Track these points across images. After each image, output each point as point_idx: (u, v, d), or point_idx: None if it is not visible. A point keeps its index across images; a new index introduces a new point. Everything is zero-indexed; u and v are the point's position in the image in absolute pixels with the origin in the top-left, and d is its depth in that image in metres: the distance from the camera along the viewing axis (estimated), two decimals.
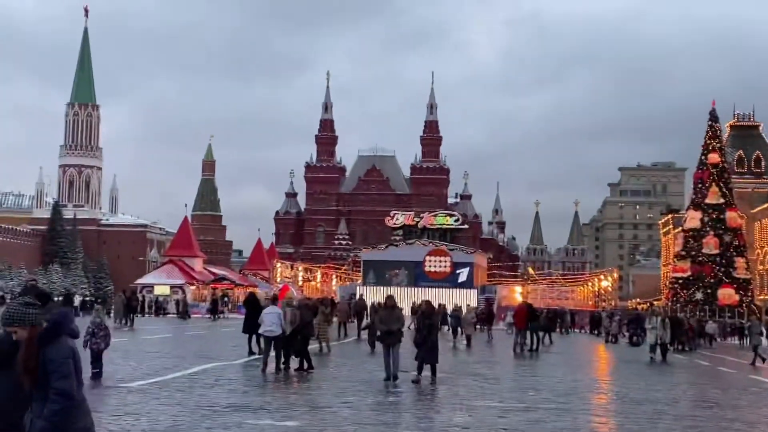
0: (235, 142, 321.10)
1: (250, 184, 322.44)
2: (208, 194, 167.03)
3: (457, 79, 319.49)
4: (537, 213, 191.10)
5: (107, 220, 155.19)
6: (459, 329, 38.96)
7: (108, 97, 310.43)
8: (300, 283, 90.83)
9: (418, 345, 18.75)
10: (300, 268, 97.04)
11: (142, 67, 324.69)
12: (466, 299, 70.40)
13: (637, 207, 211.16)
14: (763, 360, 31.89)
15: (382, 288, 73.30)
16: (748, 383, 23.75)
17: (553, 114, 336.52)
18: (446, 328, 41.76)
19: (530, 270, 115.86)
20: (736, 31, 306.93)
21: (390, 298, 19.75)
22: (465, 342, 36.51)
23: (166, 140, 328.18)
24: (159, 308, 69.51)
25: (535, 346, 33.82)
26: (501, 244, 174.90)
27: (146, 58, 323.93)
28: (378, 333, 20.10)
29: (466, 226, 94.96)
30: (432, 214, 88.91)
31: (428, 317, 19.17)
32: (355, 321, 40.47)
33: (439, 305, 42.89)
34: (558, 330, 55.34)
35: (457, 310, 41.11)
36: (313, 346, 26.64)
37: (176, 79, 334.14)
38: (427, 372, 19.21)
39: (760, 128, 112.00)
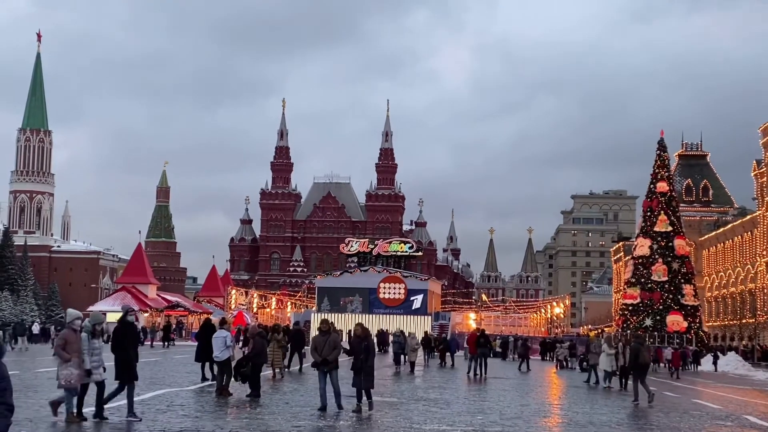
0: (196, 168, 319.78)
1: (210, 211, 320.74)
2: (162, 221, 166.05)
3: (424, 105, 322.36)
4: (491, 240, 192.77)
5: (59, 246, 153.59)
6: (402, 355, 38.40)
7: (68, 122, 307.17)
8: (255, 309, 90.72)
9: (357, 370, 18.11)
10: (255, 295, 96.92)
11: (105, 93, 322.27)
12: (421, 326, 70.97)
13: (590, 234, 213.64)
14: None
15: (336, 315, 73.55)
16: (690, 407, 24.41)
17: (517, 141, 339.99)
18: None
19: (484, 297, 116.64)
20: (698, 60, 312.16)
21: (324, 322, 18.80)
22: (409, 368, 36.23)
23: (124, 166, 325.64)
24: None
25: (483, 371, 34.17)
26: (455, 271, 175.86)
27: (109, 83, 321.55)
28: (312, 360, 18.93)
29: (420, 253, 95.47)
30: (386, 241, 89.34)
31: (364, 340, 18.31)
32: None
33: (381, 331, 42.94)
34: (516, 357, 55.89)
35: (399, 335, 40.24)
36: (266, 372, 26.89)
37: (139, 105, 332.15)
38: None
39: (708, 157, 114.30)
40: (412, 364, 36.56)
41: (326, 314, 76.75)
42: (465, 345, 41.08)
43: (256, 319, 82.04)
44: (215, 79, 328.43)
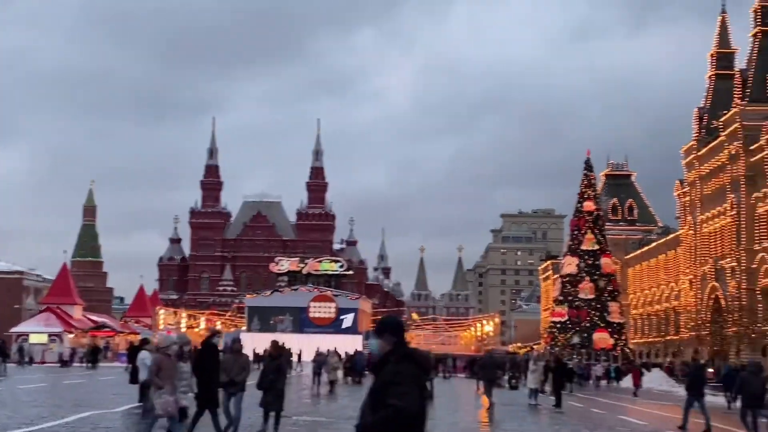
0: (132, 186, 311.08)
1: (144, 230, 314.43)
2: (88, 240, 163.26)
3: (367, 124, 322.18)
4: (422, 259, 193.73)
5: None
6: (320, 375, 37.94)
7: (1, 139, 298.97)
8: (183, 329, 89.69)
9: (264, 390, 17.01)
10: (183, 315, 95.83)
11: (41, 109, 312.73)
12: (352, 345, 70.86)
13: (519, 253, 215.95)
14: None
15: (266, 335, 73.08)
16: (616, 423, 24.81)
17: (456, 160, 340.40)
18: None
19: (414, 315, 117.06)
20: (636, 81, 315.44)
21: (236, 341, 17.66)
22: (329, 388, 35.43)
23: (56, 184, 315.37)
24: (23, 357, 66.20)
25: None
26: (386, 289, 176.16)
27: (46, 99, 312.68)
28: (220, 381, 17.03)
29: (351, 272, 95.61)
30: (317, 260, 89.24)
31: (275, 359, 17.31)
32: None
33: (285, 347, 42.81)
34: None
35: (319, 354, 39.96)
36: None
37: (76, 122, 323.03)
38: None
39: (633, 177, 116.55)
40: (332, 383, 35.90)
41: (256, 334, 76.35)
42: None
43: None
44: (156, 95, 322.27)
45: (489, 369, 28.72)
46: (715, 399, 35.43)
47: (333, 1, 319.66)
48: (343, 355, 47.86)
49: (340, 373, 40.81)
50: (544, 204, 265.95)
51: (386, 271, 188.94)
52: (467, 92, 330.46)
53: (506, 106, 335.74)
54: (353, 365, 45.33)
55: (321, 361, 38.80)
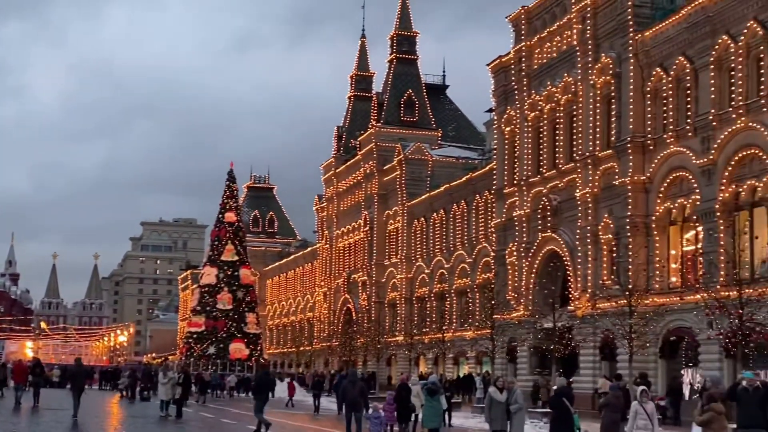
0: None
1: None
2: None
3: (8, 122, 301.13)
4: (54, 265, 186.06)
5: None
6: None
7: None
8: None
9: None
10: None
11: None
12: None
13: (158, 262, 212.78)
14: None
15: None
16: None
17: (105, 165, 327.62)
18: None
19: (43, 324, 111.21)
20: (293, 95, 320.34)
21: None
22: None
23: None
24: None
25: (36, 401, 32.76)
26: (13, 297, 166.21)
27: None
28: None
29: None
30: None
31: None
32: None
33: None
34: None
35: None
36: None
37: None
38: None
39: (275, 191, 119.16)
40: None
41: None
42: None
43: None
44: None
45: (78, 378, 27.89)
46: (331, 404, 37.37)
47: None
48: None
49: None
50: (190, 214, 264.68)
51: (14, 278, 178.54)
52: (121, 95, 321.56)
53: (160, 113, 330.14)
54: None
55: None
